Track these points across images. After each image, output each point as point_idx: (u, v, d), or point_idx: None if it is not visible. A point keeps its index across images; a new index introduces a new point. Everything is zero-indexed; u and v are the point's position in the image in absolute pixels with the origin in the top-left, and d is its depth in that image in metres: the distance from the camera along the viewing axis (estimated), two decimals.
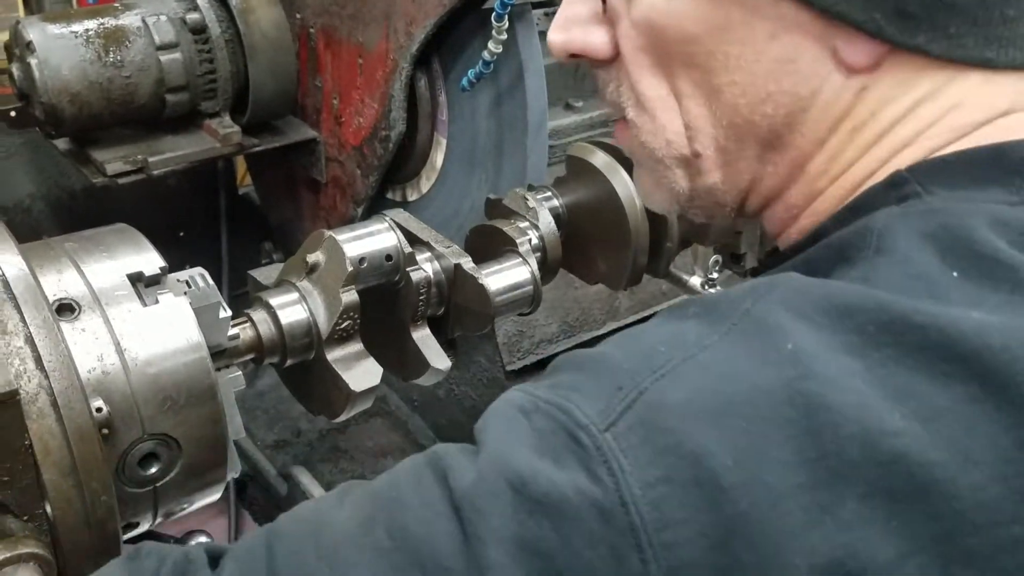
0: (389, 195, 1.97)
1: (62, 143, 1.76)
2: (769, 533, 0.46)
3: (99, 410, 0.79)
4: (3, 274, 0.79)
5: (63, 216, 2.10)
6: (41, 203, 2.09)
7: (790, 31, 0.60)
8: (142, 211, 1.92)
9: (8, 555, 0.73)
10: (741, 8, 0.61)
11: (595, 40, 0.70)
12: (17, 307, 0.78)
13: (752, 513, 0.46)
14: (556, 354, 2.05)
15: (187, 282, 0.92)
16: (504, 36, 1.49)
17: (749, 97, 0.63)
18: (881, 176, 0.62)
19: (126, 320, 0.85)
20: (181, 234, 2.32)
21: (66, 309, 0.83)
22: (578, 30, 0.71)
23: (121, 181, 1.69)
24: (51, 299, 0.82)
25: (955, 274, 0.53)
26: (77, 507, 0.78)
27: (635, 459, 0.49)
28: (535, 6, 1.77)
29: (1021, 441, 0.47)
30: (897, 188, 0.60)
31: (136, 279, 0.87)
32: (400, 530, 0.52)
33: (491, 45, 1.50)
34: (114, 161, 1.69)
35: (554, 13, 2.17)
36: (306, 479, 2.00)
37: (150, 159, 1.69)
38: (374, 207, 1.94)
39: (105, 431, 0.80)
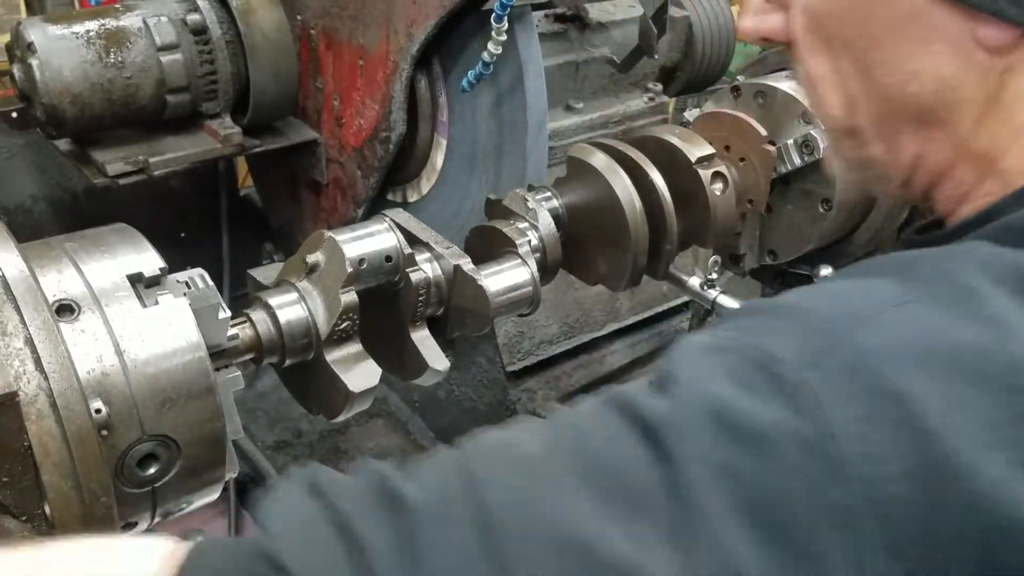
0: (390, 196, 1.97)
1: (63, 144, 1.76)
2: (974, 479, 0.47)
3: (98, 411, 0.79)
4: (3, 275, 0.80)
5: (65, 217, 2.10)
6: (43, 204, 2.09)
7: (928, 13, 0.64)
8: (144, 212, 1.92)
9: None
10: (892, 19, 0.66)
11: (772, 24, 0.77)
12: (17, 308, 0.78)
13: (958, 458, 0.48)
14: (556, 355, 2.08)
15: (187, 283, 0.92)
16: (503, 37, 1.49)
17: (896, 76, 0.67)
18: None
19: (126, 321, 0.85)
20: (182, 235, 2.32)
21: (66, 310, 0.83)
22: (763, 17, 0.78)
23: (122, 182, 1.69)
24: (51, 300, 0.82)
25: None
26: (76, 508, 0.79)
27: (837, 396, 0.50)
28: (535, 8, 1.78)
29: None
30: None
31: (136, 280, 0.88)
32: (592, 457, 0.53)
33: (491, 46, 1.50)
34: (115, 162, 1.69)
35: (555, 15, 2.16)
36: None
37: (151, 160, 1.70)
38: (375, 208, 1.94)
39: (104, 432, 0.80)
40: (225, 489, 2.24)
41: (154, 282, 0.89)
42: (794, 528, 0.48)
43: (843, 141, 0.76)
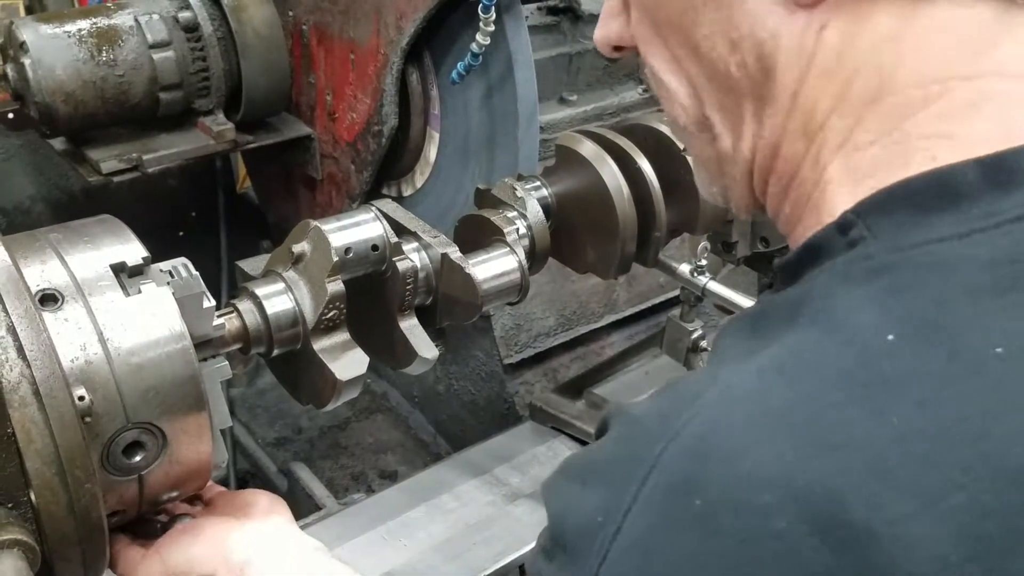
0: (384, 191, 1.98)
1: (58, 143, 1.78)
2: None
3: (81, 399, 0.80)
4: None
5: (63, 217, 2.09)
6: (41, 204, 2.11)
7: None
8: (142, 211, 1.93)
9: None
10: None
11: (615, 28, 0.74)
12: None
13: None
14: (554, 347, 2.08)
15: (170, 272, 0.93)
16: (492, 28, 1.49)
17: (720, 48, 0.64)
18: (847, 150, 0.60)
19: (109, 310, 0.85)
20: (181, 234, 2.33)
21: (49, 299, 0.84)
22: (606, 23, 0.76)
23: (116, 179, 1.70)
24: (34, 289, 0.82)
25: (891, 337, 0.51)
26: (60, 495, 0.79)
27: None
28: (525, 0, 1.78)
29: None
30: (845, 232, 0.58)
31: (119, 269, 0.88)
32: None
33: (479, 37, 1.50)
34: (109, 159, 1.70)
35: (547, 7, 2.16)
36: (306, 475, 2.00)
37: (145, 157, 1.71)
38: (368, 202, 1.94)
39: (88, 419, 0.80)
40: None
41: (137, 271, 0.89)
42: None
43: (698, 138, 0.72)
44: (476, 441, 1.74)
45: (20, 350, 0.77)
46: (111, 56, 1.64)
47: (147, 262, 0.90)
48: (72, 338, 0.83)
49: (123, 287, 0.87)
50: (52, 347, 0.79)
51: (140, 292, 0.87)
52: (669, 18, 0.67)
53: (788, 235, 0.70)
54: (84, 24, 1.63)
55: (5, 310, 0.78)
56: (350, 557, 1.37)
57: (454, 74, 1.60)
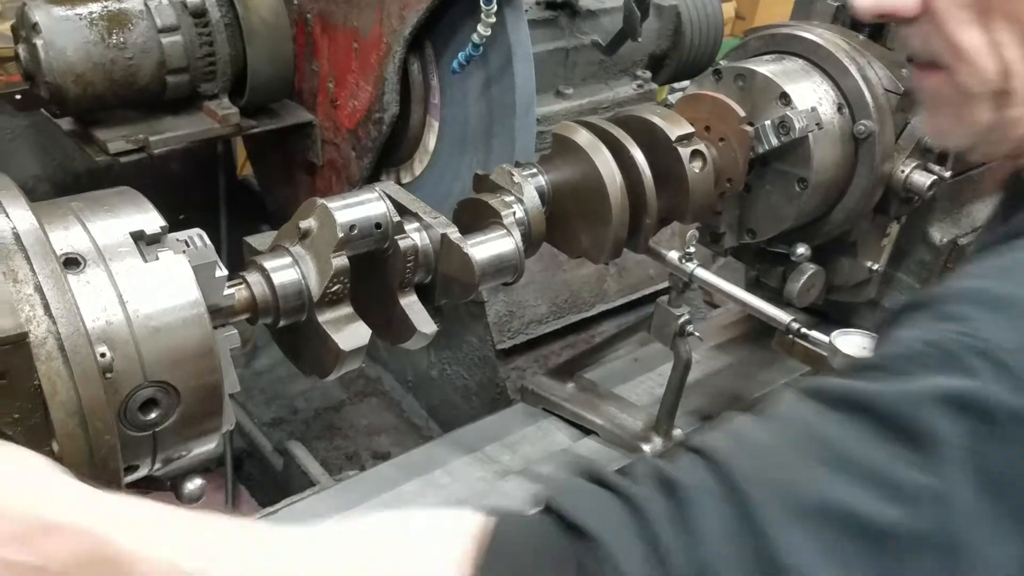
0: (384, 177, 2.03)
1: (66, 123, 1.82)
2: None
3: (103, 355, 0.85)
4: (15, 228, 0.85)
5: None
6: (46, 184, 2.15)
7: None
8: (145, 194, 1.97)
9: None
10: None
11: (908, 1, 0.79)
12: (27, 258, 0.83)
13: None
14: (545, 335, 2.13)
15: (186, 241, 0.98)
16: (493, 19, 1.55)
17: None
18: None
19: (128, 274, 0.90)
20: (182, 217, 2.36)
21: (72, 263, 0.88)
22: None
23: (123, 159, 1.74)
24: (58, 253, 0.87)
25: None
26: (81, 445, 0.84)
27: None
28: (548, 7, 1.84)
29: None
30: None
31: (138, 237, 0.93)
32: (822, 440, 0.60)
33: (480, 28, 1.56)
34: (116, 140, 1.75)
35: (546, 2, 2.20)
36: (302, 453, 2.05)
37: (151, 138, 1.75)
38: None
39: (108, 375, 0.85)
40: (222, 464, 2.30)
41: (155, 239, 0.94)
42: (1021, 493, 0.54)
43: (983, 105, 0.78)
44: (468, 423, 1.79)
45: (47, 308, 0.82)
46: (121, 39, 1.69)
47: (164, 231, 0.95)
48: (94, 299, 0.88)
49: (142, 254, 0.92)
50: (76, 306, 0.84)
51: (158, 259, 0.92)
52: (1008, 10, 0.74)
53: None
54: (95, 7, 1.68)
55: (33, 270, 0.83)
56: None
57: (455, 64, 1.65)
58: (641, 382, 1.80)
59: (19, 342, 0.79)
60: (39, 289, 0.82)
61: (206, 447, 1.02)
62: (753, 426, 0.64)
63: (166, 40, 1.73)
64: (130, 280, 0.90)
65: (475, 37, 1.57)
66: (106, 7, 1.69)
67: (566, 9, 2.12)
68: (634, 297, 2.29)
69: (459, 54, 1.64)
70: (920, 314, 0.64)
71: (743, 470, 0.59)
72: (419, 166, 1.95)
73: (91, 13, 1.67)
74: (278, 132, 1.98)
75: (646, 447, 1.55)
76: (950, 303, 0.63)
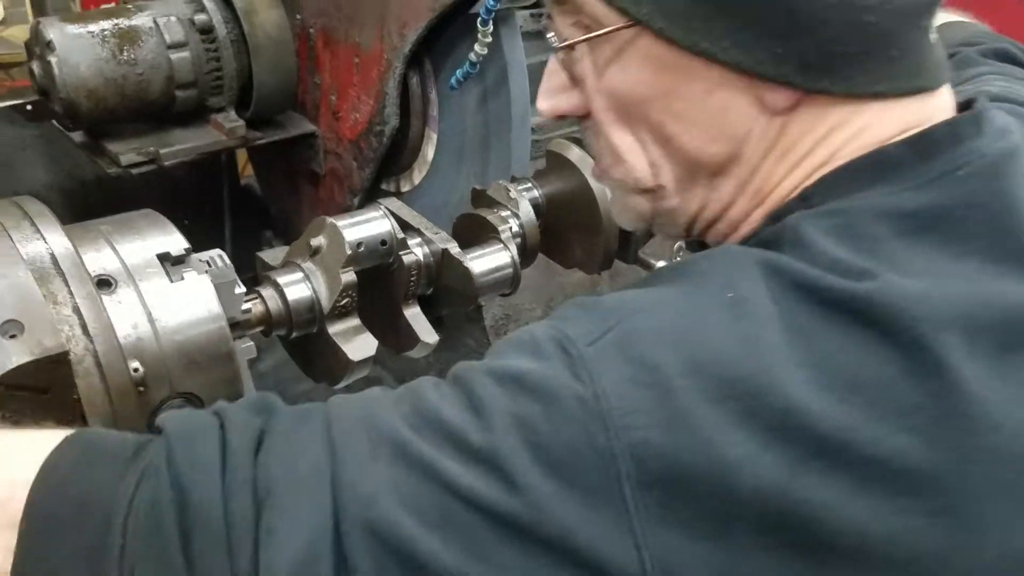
0: (384, 186, 2.10)
1: (77, 136, 1.88)
2: (705, 429, 0.62)
3: (136, 370, 0.92)
4: (52, 252, 0.92)
5: (76, 205, 2.21)
6: (55, 193, 2.21)
7: (722, 88, 0.75)
8: (150, 201, 2.03)
9: None
10: (681, 75, 0.76)
11: (572, 103, 0.87)
12: (65, 281, 0.91)
13: (694, 413, 0.63)
14: None
15: (207, 262, 1.05)
16: (489, 39, 1.62)
17: (697, 141, 0.79)
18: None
19: (156, 294, 0.98)
20: (186, 222, 2.43)
21: (104, 284, 0.96)
22: (559, 96, 0.88)
23: (135, 171, 1.81)
24: (92, 275, 0.95)
25: (846, 254, 0.69)
26: None
27: (608, 366, 0.65)
28: (537, 18, 1.91)
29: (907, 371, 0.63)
30: (806, 200, 0.76)
31: (164, 258, 1.00)
32: (415, 399, 0.70)
33: (477, 47, 1.63)
34: (128, 152, 1.81)
35: (537, 13, 2.29)
36: None
37: (162, 151, 1.82)
38: (370, 197, 2.06)
39: (140, 388, 0.93)
40: None
41: (179, 260, 1.02)
42: (571, 465, 0.62)
43: (640, 198, 0.87)
44: None
45: (84, 327, 0.90)
46: (132, 55, 1.75)
47: (188, 252, 1.02)
48: (125, 318, 0.95)
49: (168, 274, 1.00)
50: (111, 325, 0.91)
51: (183, 279, 1.00)
52: (641, 112, 0.80)
53: (717, 240, 0.86)
54: (107, 25, 1.74)
55: (71, 292, 0.90)
56: None
57: (453, 80, 1.72)
58: None
59: (61, 360, 0.86)
60: (77, 310, 0.90)
61: None
62: (383, 392, 0.74)
63: (175, 56, 1.80)
64: (158, 299, 0.98)
65: (472, 56, 1.64)
66: (117, 24, 1.75)
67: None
68: None
69: (457, 71, 1.71)
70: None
71: (343, 407, 0.71)
72: (418, 175, 2.02)
73: (103, 30, 1.73)
74: (281, 143, 2.05)
75: None
76: (564, 308, 0.74)
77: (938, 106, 0.79)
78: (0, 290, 0.86)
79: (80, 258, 0.94)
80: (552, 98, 0.88)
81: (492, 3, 1.52)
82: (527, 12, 2.15)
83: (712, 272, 0.71)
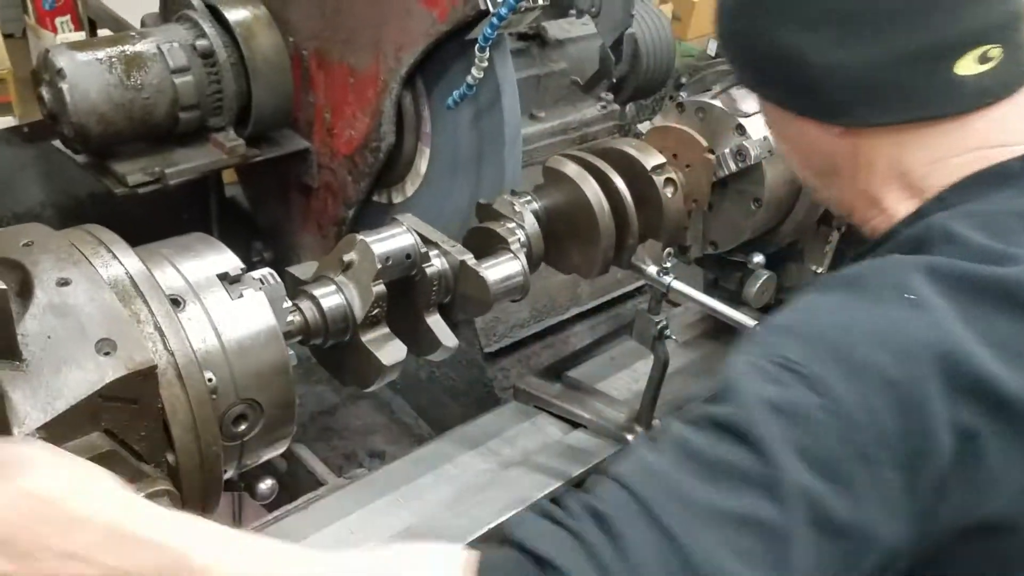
0: (375, 197, 2.20)
1: (82, 157, 1.95)
2: (926, 405, 0.76)
3: (210, 380, 1.02)
4: (130, 274, 1.02)
5: (71, 221, 2.24)
6: (51, 210, 2.26)
7: (795, 122, 1.06)
8: (142, 215, 2.11)
9: (152, 490, 0.96)
10: (776, 116, 1.10)
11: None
12: (145, 301, 1.00)
13: (921, 394, 0.76)
14: (527, 337, 2.33)
15: (260, 280, 1.15)
16: (485, 64, 1.74)
17: (800, 157, 1.13)
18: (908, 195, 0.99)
19: (220, 309, 1.08)
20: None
21: (175, 302, 1.05)
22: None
23: (141, 191, 1.89)
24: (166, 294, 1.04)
25: (992, 244, 0.86)
26: (194, 455, 1.01)
27: (835, 377, 0.77)
28: (520, 38, 2.04)
29: None
30: (943, 200, 0.95)
31: (223, 277, 1.10)
32: (699, 457, 0.77)
33: (474, 71, 1.74)
34: (134, 172, 1.89)
35: (518, 33, 2.38)
36: (307, 455, 2.21)
37: (167, 170, 1.90)
38: (363, 209, 2.17)
39: (214, 396, 1.03)
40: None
41: (236, 279, 1.12)
42: (833, 463, 0.74)
43: (808, 186, 1.24)
44: (457, 421, 1.97)
45: (165, 343, 0.99)
46: (138, 80, 1.83)
47: (244, 271, 1.12)
48: (196, 332, 1.05)
49: (228, 292, 1.10)
50: (188, 340, 1.01)
51: (242, 296, 1.10)
52: (777, 139, 1.20)
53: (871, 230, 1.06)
54: (114, 51, 1.81)
55: (151, 311, 1.00)
56: (368, 518, 1.60)
57: (450, 101, 1.84)
58: (619, 378, 2.01)
59: (149, 373, 0.96)
60: (158, 327, 0.99)
61: (277, 452, 1.20)
62: (650, 453, 0.79)
63: (179, 80, 1.88)
64: (222, 315, 1.08)
65: (469, 79, 1.76)
66: (123, 51, 1.82)
67: (536, 39, 2.32)
68: (604, 299, 2.50)
69: (454, 92, 1.82)
70: (744, 344, 0.86)
71: (651, 493, 0.74)
72: (411, 188, 2.13)
73: (111, 57, 1.80)
74: (277, 158, 2.14)
75: (630, 437, 1.77)
76: (757, 335, 0.87)
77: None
78: (91, 311, 0.95)
79: (155, 279, 1.03)
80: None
81: (489, 32, 1.64)
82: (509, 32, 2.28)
83: (884, 281, 0.85)
